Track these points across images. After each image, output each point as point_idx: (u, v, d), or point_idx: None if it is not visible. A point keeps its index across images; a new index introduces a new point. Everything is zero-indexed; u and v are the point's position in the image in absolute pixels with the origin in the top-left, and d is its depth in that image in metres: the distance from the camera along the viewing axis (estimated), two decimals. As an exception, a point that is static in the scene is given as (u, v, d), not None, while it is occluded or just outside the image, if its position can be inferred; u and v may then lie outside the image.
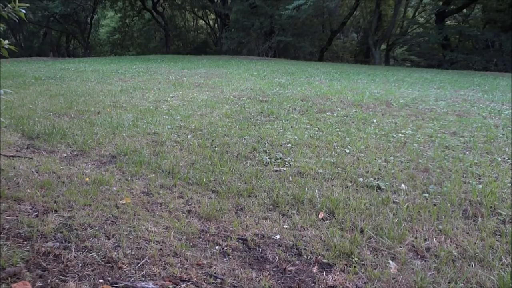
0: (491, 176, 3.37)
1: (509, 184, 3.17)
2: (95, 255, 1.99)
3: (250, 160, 3.62)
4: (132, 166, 3.35)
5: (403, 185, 3.09)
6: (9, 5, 2.43)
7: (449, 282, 1.89)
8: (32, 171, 3.12)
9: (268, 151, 3.89)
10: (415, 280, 1.90)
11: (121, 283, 1.78)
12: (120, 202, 2.65)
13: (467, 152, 4.12)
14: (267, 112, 5.81)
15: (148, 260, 1.98)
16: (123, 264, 1.93)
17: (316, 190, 2.92)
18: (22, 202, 2.56)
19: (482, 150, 4.20)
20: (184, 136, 4.37)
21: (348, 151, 3.97)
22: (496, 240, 2.28)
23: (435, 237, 2.30)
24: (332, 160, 3.64)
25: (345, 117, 5.64)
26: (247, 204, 2.70)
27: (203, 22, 32.93)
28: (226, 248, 2.16)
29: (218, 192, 2.89)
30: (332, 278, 1.91)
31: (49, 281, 1.77)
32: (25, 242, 2.07)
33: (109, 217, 2.43)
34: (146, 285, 1.78)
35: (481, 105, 7.25)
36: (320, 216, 2.56)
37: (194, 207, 2.65)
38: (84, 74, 10.58)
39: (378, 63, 23.31)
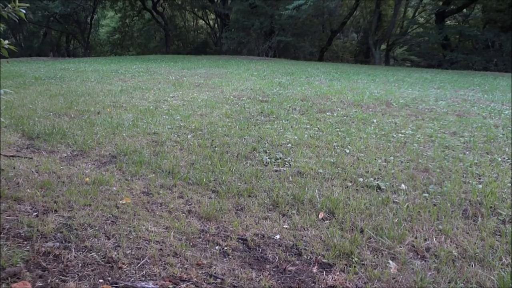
0: (491, 176, 3.37)
1: (509, 184, 3.17)
2: (95, 255, 1.99)
3: (250, 160, 3.62)
4: (132, 166, 3.35)
5: (403, 185, 3.09)
6: (9, 5, 2.43)
7: (449, 282, 1.89)
8: (32, 171, 3.12)
9: (268, 151, 3.89)
10: (415, 280, 1.90)
11: (121, 283, 1.78)
12: (120, 202, 2.65)
13: (467, 152, 4.12)
14: (267, 112, 5.81)
15: (148, 260, 1.98)
16: (123, 264, 1.93)
17: (316, 190, 2.92)
18: (22, 202, 2.56)
19: (482, 150, 4.20)
20: (184, 136, 4.37)
21: (348, 151, 3.97)
22: (496, 240, 2.28)
23: (435, 237, 2.30)
24: (332, 160, 3.64)
25: (345, 117, 5.64)
26: (247, 204, 2.70)
27: (203, 22, 32.93)
28: (226, 248, 2.16)
29: (218, 192, 2.89)
30: (332, 278, 1.91)
31: (49, 281, 1.77)
32: (25, 242, 2.07)
33: (109, 217, 2.43)
34: (146, 285, 1.78)
35: (481, 105, 7.25)
36: (320, 216, 2.56)
37: (194, 207, 2.65)
38: (84, 74, 10.59)
39: (378, 63, 23.31)
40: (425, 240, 2.28)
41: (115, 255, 1.99)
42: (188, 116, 5.38)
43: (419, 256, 2.14)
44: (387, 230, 2.34)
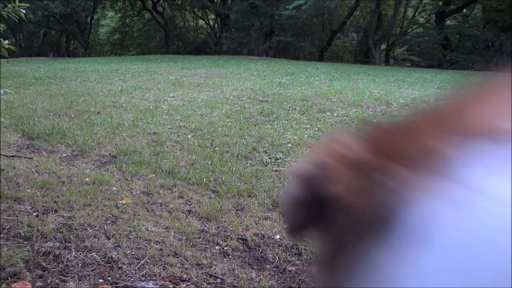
0: (491, 176, 3.37)
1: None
2: (95, 255, 1.99)
3: (250, 160, 3.62)
4: (132, 166, 3.35)
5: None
6: (9, 5, 2.43)
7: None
8: (32, 171, 3.12)
9: (268, 151, 3.89)
10: (415, 280, 1.90)
11: (121, 283, 1.78)
12: (120, 202, 2.65)
13: (467, 152, 4.12)
14: (267, 112, 5.81)
15: (148, 260, 1.98)
16: (123, 264, 1.93)
17: (316, 190, 2.92)
18: (22, 202, 2.56)
19: (482, 150, 4.20)
20: (184, 136, 4.37)
21: None
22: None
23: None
24: (332, 160, 3.64)
25: (345, 117, 5.64)
26: (247, 204, 2.70)
27: (203, 22, 32.92)
28: (226, 248, 2.16)
29: (218, 192, 2.89)
30: (332, 278, 1.91)
31: (49, 281, 1.77)
32: (25, 242, 2.07)
33: (109, 217, 2.43)
34: (146, 285, 1.78)
35: (481, 105, 7.25)
36: (320, 216, 2.55)
37: (194, 207, 2.65)
38: (84, 74, 10.59)
39: (378, 63, 23.31)
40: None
41: (115, 255, 1.99)
42: (188, 116, 5.38)
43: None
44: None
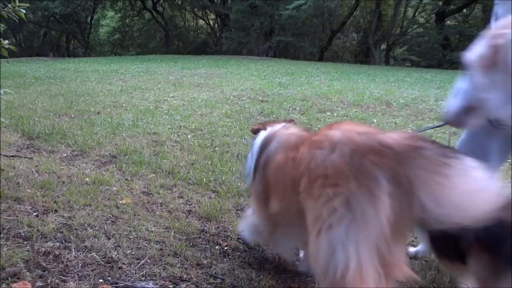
0: (491, 176, 3.37)
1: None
2: (95, 255, 1.99)
3: (250, 160, 3.62)
4: (132, 166, 3.35)
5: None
6: (9, 5, 2.43)
7: (449, 282, 1.89)
8: (32, 171, 3.12)
9: (268, 151, 3.89)
10: (416, 279, 1.90)
11: (121, 283, 1.78)
12: (120, 202, 2.65)
13: (467, 152, 4.12)
14: (267, 112, 5.80)
15: (148, 260, 1.98)
16: (123, 264, 1.93)
17: (316, 190, 2.92)
18: (22, 202, 2.56)
19: (482, 150, 4.19)
20: (184, 136, 4.37)
21: None
22: (496, 240, 2.28)
23: (435, 237, 2.30)
24: (332, 160, 3.63)
25: (345, 117, 5.64)
26: (247, 204, 2.70)
27: (203, 22, 32.91)
28: (226, 248, 2.16)
29: (218, 192, 2.89)
30: (332, 278, 1.91)
31: (49, 281, 1.77)
32: (25, 242, 2.07)
33: (109, 217, 2.43)
34: (146, 285, 1.78)
35: (481, 105, 7.25)
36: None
37: (194, 207, 2.65)
38: (84, 74, 10.59)
39: (378, 63, 23.30)
40: (425, 240, 2.28)
41: (115, 255, 1.99)
42: (188, 116, 5.38)
43: (419, 256, 2.13)
44: (387, 230, 2.34)
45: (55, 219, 2.34)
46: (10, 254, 1.92)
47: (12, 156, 3.47)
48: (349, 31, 30.00)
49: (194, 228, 2.34)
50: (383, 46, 25.96)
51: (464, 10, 24.30)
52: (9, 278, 1.75)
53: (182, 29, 33.01)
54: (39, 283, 1.75)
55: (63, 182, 2.94)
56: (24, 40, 28.61)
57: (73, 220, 2.33)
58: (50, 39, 30.26)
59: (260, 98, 7.08)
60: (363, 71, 13.79)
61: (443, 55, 23.10)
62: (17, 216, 2.34)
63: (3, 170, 3.07)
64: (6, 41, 2.51)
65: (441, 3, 23.47)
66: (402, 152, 1.18)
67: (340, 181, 1.21)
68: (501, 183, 1.22)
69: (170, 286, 1.79)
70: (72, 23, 29.18)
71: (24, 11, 2.48)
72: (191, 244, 2.17)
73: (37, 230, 2.19)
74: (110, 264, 1.92)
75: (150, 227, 2.31)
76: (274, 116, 5.56)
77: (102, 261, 1.95)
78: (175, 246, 2.12)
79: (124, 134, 4.36)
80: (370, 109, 6.37)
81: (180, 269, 1.91)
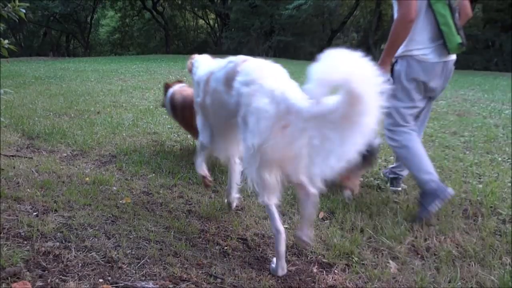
0: (491, 175, 3.37)
1: (509, 184, 3.17)
2: (95, 255, 1.99)
3: (250, 160, 3.62)
4: (132, 166, 3.35)
5: (403, 185, 3.09)
6: (9, 5, 2.43)
7: (449, 282, 1.89)
8: (32, 171, 3.12)
9: (268, 151, 3.88)
10: (415, 280, 1.90)
11: (121, 283, 1.78)
12: (120, 201, 2.65)
13: (467, 152, 4.12)
14: (267, 112, 5.79)
15: (148, 260, 1.98)
16: (123, 264, 1.93)
17: (316, 190, 2.92)
18: (22, 202, 2.56)
19: (482, 150, 4.20)
20: (184, 136, 4.37)
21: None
22: (496, 240, 2.28)
23: (435, 237, 2.30)
24: (332, 160, 3.63)
25: (345, 117, 5.63)
26: (247, 204, 2.70)
27: (203, 21, 32.91)
28: (226, 248, 2.16)
29: (218, 192, 2.89)
30: (332, 278, 1.91)
31: (49, 280, 1.77)
32: (25, 242, 2.07)
33: (109, 216, 2.43)
34: (146, 285, 1.78)
35: (481, 104, 7.26)
36: (320, 216, 2.55)
37: (194, 206, 2.65)
38: (84, 74, 10.59)
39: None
40: (425, 240, 2.28)
41: (115, 255, 1.99)
42: (188, 116, 5.38)
43: (419, 256, 2.14)
44: (387, 230, 2.34)
45: (55, 219, 2.34)
46: (10, 254, 1.92)
47: (12, 155, 3.48)
48: (349, 31, 30.00)
49: (194, 228, 2.34)
50: (383, 46, 25.91)
51: (464, 10, 24.25)
52: (9, 278, 1.75)
53: (182, 29, 33.02)
54: (39, 283, 1.75)
55: (63, 182, 2.94)
56: (24, 39, 28.61)
57: (73, 220, 2.33)
58: (50, 38, 30.27)
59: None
60: (363, 71, 13.77)
61: (443, 55, 23.04)
62: (17, 216, 2.34)
63: (3, 169, 3.07)
64: (6, 41, 2.50)
65: (441, 3, 23.42)
66: None
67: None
68: None
69: (170, 286, 1.79)
70: (72, 23, 29.19)
71: (24, 11, 2.48)
72: (191, 244, 2.17)
73: (37, 230, 2.19)
74: (110, 264, 1.92)
75: (150, 227, 2.31)
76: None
77: (102, 261, 1.95)
78: (175, 246, 2.12)
79: (124, 134, 4.36)
80: (370, 109, 6.35)
81: (180, 269, 1.91)
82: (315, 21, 25.53)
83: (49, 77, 9.67)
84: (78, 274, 1.83)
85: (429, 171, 2.56)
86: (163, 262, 1.97)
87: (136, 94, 7.19)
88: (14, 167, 3.17)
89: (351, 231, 2.37)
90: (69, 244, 2.08)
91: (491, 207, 2.73)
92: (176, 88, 3.67)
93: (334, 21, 26.02)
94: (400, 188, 3.05)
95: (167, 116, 5.32)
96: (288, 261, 2.05)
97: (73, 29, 29.88)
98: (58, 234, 2.17)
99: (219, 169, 3.30)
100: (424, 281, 1.89)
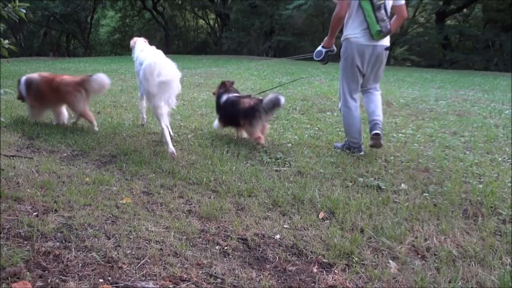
0: (491, 176, 3.37)
1: (510, 184, 3.17)
2: (95, 255, 1.99)
3: (250, 160, 3.62)
4: (132, 166, 3.35)
5: (403, 185, 3.09)
6: (9, 5, 2.43)
7: (449, 282, 1.89)
8: (32, 171, 3.12)
9: (268, 151, 3.89)
10: (415, 280, 1.90)
11: (121, 283, 1.78)
12: (120, 202, 2.65)
13: (468, 152, 4.12)
14: (267, 112, 5.79)
15: (148, 260, 1.98)
16: (123, 264, 1.93)
17: (316, 190, 2.92)
18: (22, 202, 2.56)
19: (483, 150, 4.19)
20: (184, 136, 4.37)
21: (348, 150, 3.96)
22: (496, 240, 2.28)
23: (435, 237, 2.30)
24: (332, 160, 3.64)
25: (345, 117, 5.62)
26: (247, 204, 2.70)
27: (203, 21, 32.92)
28: (226, 248, 2.16)
29: (218, 192, 2.89)
30: (332, 278, 1.91)
31: (49, 281, 1.77)
32: (25, 242, 2.07)
33: (109, 217, 2.43)
34: (146, 285, 1.78)
35: (481, 104, 7.26)
36: (320, 216, 2.55)
37: (194, 207, 2.65)
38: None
39: (378, 63, 23.23)
40: (425, 240, 2.28)
41: (115, 255, 1.99)
42: (188, 116, 5.38)
43: (419, 256, 2.14)
44: (387, 230, 2.34)
45: (55, 219, 2.34)
46: (10, 254, 1.92)
47: (12, 156, 3.48)
48: (349, 31, 29.94)
49: (194, 228, 2.34)
50: (383, 46, 25.84)
51: (464, 10, 24.30)
52: (9, 278, 1.75)
53: (182, 29, 33.03)
54: (39, 283, 1.75)
55: (63, 182, 2.94)
56: (24, 40, 28.60)
57: (73, 220, 2.33)
58: (50, 39, 30.26)
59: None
60: (363, 71, 13.78)
61: (443, 55, 23.11)
62: (17, 216, 2.34)
63: (3, 170, 3.07)
64: (6, 41, 2.50)
65: (441, 3, 23.47)
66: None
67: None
68: None
69: (170, 286, 1.79)
70: (72, 23, 29.19)
71: (24, 11, 2.48)
72: (191, 244, 2.17)
73: (37, 230, 2.19)
74: (110, 264, 1.92)
75: (150, 227, 2.31)
76: (274, 116, 5.56)
77: (102, 261, 1.95)
78: (175, 246, 2.12)
79: (124, 134, 4.36)
80: (370, 109, 6.36)
81: (180, 269, 1.91)
82: (315, 21, 25.53)
83: (49, 77, 9.65)
84: (78, 274, 1.83)
85: (354, 136, 3.87)
86: (163, 262, 1.97)
87: (136, 94, 7.17)
88: (14, 167, 3.17)
89: (351, 231, 2.37)
90: (69, 244, 2.08)
91: (491, 207, 2.73)
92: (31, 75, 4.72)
93: (334, 21, 25.96)
94: (379, 131, 3.81)
95: (167, 116, 5.32)
96: (288, 261, 2.05)
97: (73, 29, 29.88)
98: (58, 234, 2.17)
99: (220, 170, 3.30)
100: (424, 281, 1.89)
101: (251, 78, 10.17)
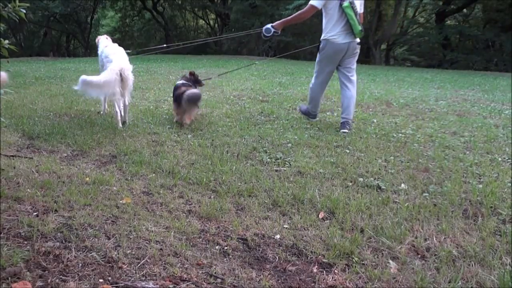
0: (491, 176, 3.37)
1: (510, 184, 3.17)
2: (95, 255, 1.99)
3: (250, 160, 3.62)
4: (132, 166, 3.35)
5: (403, 185, 3.09)
6: (9, 5, 2.43)
7: (449, 282, 1.89)
8: (32, 171, 3.12)
9: (268, 151, 3.89)
10: (415, 280, 1.90)
11: (121, 283, 1.78)
12: (120, 202, 2.65)
13: (468, 152, 4.12)
14: (267, 112, 5.81)
15: (148, 260, 1.98)
16: (123, 264, 1.93)
17: (316, 190, 2.93)
18: (22, 202, 2.56)
19: (483, 150, 4.20)
20: (184, 136, 4.37)
21: (348, 151, 3.97)
22: (496, 240, 2.28)
23: (435, 237, 2.31)
24: (332, 160, 3.64)
25: (345, 117, 5.62)
26: (247, 204, 2.70)
27: (203, 22, 32.92)
28: (226, 248, 2.16)
29: (218, 192, 2.89)
30: (332, 277, 1.91)
31: (49, 281, 1.77)
32: (25, 242, 2.07)
33: (109, 217, 2.43)
34: (146, 285, 1.78)
35: (481, 105, 7.26)
36: (320, 216, 2.56)
37: (194, 207, 2.65)
38: (84, 74, 10.56)
39: (378, 63, 23.29)
40: (425, 240, 2.28)
41: (115, 255, 1.99)
42: (188, 116, 5.37)
43: (419, 256, 2.14)
44: (387, 230, 2.35)
45: (55, 219, 2.34)
46: (10, 254, 1.92)
47: (12, 156, 3.48)
48: (349, 31, 29.94)
49: (194, 228, 2.34)
50: (383, 46, 25.94)
51: (464, 10, 24.31)
52: (9, 278, 1.75)
53: (182, 29, 33.02)
54: (39, 283, 1.75)
55: (63, 182, 2.94)
56: (24, 40, 28.58)
57: (73, 220, 2.33)
58: (50, 39, 30.25)
59: (260, 98, 7.08)
60: (363, 71, 13.79)
61: (443, 55, 23.11)
62: (17, 216, 2.35)
63: (3, 170, 3.08)
64: (6, 41, 2.50)
65: (441, 3, 23.48)
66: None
67: None
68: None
69: (170, 286, 1.79)
70: (72, 23, 29.18)
71: (24, 11, 2.48)
72: (191, 244, 2.17)
73: (37, 230, 2.19)
74: (110, 264, 1.93)
75: (150, 227, 2.31)
76: (274, 116, 5.56)
77: (102, 261, 1.95)
78: (175, 246, 2.12)
79: (124, 134, 4.36)
80: (370, 109, 6.37)
81: (180, 269, 1.91)
82: (315, 21, 25.52)
83: (50, 77, 9.67)
84: (78, 274, 1.83)
85: (314, 106, 5.20)
86: (163, 262, 1.97)
87: (136, 94, 7.19)
88: (14, 167, 3.17)
89: (351, 231, 2.37)
90: (69, 244, 2.08)
91: (491, 207, 2.73)
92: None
93: (334, 21, 25.95)
94: (346, 130, 4.62)
95: (167, 116, 5.33)
96: (288, 261, 2.05)
97: (73, 29, 29.87)
98: (58, 234, 2.18)
99: (220, 170, 3.30)
100: (424, 281, 1.89)
101: (251, 78, 10.17)
